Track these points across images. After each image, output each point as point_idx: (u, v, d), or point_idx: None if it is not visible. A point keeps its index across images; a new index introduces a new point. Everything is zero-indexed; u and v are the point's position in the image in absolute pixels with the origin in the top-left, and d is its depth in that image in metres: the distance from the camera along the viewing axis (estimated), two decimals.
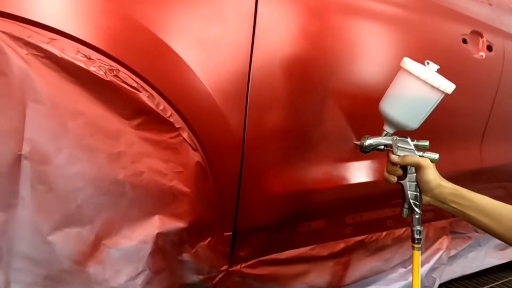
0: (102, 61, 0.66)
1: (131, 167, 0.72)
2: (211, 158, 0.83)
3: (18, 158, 0.62)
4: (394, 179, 0.89)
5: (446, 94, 0.86)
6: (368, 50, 1.05)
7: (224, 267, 0.98)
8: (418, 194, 0.88)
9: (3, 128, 0.61)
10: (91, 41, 0.65)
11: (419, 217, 0.89)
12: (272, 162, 0.96)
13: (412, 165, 0.87)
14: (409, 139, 0.89)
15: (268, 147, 0.93)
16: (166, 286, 0.84)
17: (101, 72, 0.66)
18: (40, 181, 0.65)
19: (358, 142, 0.93)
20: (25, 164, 0.63)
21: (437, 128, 1.32)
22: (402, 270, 1.51)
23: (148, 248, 0.76)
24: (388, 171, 0.91)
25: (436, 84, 0.84)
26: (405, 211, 0.90)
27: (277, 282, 1.12)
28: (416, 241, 0.89)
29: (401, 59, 1.16)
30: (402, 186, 0.89)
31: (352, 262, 1.31)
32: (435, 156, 0.88)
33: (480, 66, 1.35)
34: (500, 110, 1.45)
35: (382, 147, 0.91)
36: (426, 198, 0.87)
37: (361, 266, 1.35)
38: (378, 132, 0.93)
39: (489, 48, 1.38)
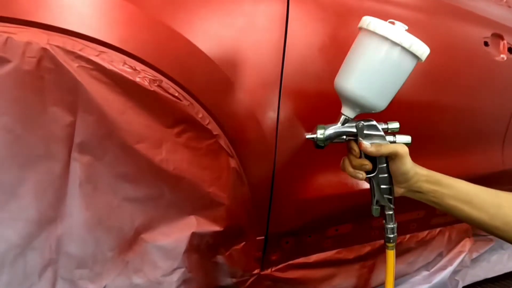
0: (146, 72, 0.69)
1: (171, 173, 0.74)
2: (245, 164, 0.85)
3: (68, 160, 0.67)
4: (362, 175, 0.73)
5: (420, 62, 0.69)
6: None
7: (256, 271, 0.99)
8: (390, 187, 0.74)
9: (56, 134, 0.64)
10: (136, 53, 0.68)
11: (392, 213, 0.77)
12: (303, 168, 0.98)
13: (388, 154, 0.71)
14: (375, 122, 0.72)
15: (299, 153, 0.95)
16: (201, 286, 0.87)
17: (146, 83, 0.68)
18: (87, 180, 0.69)
19: (311, 136, 0.74)
20: (74, 165, 0.67)
21: (458, 130, 1.33)
22: (425, 273, 1.51)
23: (183, 246, 0.79)
24: (353, 166, 0.73)
25: (406, 45, 0.65)
26: (376, 209, 0.77)
27: (306, 285, 1.14)
28: (391, 240, 0.78)
29: (423, 62, 1.18)
30: (371, 181, 0.75)
31: (377, 265, 1.32)
32: (408, 139, 0.73)
33: (502, 68, 1.36)
34: None
35: (344, 137, 0.73)
36: (398, 191, 0.75)
37: None
38: None
39: (510, 50, 1.39)
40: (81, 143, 0.66)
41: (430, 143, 1.28)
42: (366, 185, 1.12)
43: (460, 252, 1.57)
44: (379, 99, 0.69)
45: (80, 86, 0.63)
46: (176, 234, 0.78)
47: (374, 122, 0.73)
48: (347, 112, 0.72)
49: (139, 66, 0.69)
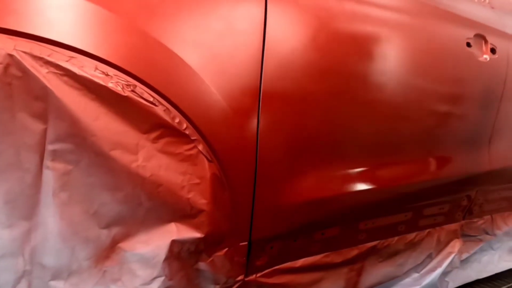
0: (119, 77, 0.68)
1: (148, 180, 0.73)
2: (226, 169, 0.84)
3: (40, 168, 0.65)
4: None
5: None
6: (376, 57, 1.07)
7: (241, 277, 0.98)
8: None
9: (26, 142, 0.63)
10: (108, 57, 0.67)
11: None
12: (286, 172, 0.97)
13: None
14: None
15: (281, 157, 0.94)
16: None
17: (119, 88, 0.67)
18: (61, 189, 0.67)
19: None
20: (47, 173, 0.66)
21: (444, 131, 1.33)
22: (415, 275, 1.50)
23: (163, 254, 0.77)
24: None
25: None
26: None
27: None
28: None
29: (408, 63, 1.18)
30: None
31: (366, 268, 1.31)
32: None
33: (485, 69, 1.36)
34: (506, 110, 1.46)
35: None
36: None
37: (375, 272, 1.35)
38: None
39: (493, 50, 1.39)
40: (54, 151, 0.65)
41: (416, 144, 1.28)
42: (352, 188, 1.12)
43: (449, 253, 1.56)
44: None
45: (50, 92, 0.62)
46: (155, 242, 0.77)
47: None
48: None
49: (111, 71, 0.67)
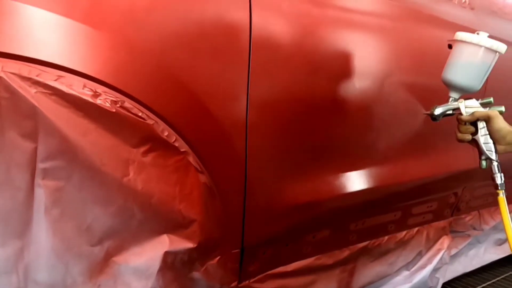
0: (108, 93, 0.69)
1: (140, 192, 0.74)
2: (216, 179, 0.86)
3: (32, 186, 0.65)
4: (468, 137, 0.97)
5: (500, 54, 0.98)
6: (360, 62, 1.09)
7: (234, 283, 0.99)
8: (492, 144, 0.96)
9: (17, 161, 0.63)
10: (96, 75, 0.68)
11: (497, 164, 0.98)
12: (275, 178, 0.98)
13: (482, 117, 0.95)
14: (474, 99, 1.00)
15: (270, 164, 0.96)
16: None
17: (107, 104, 0.68)
18: (53, 205, 0.68)
19: (428, 112, 1.04)
20: (38, 191, 0.66)
21: (432, 131, 1.36)
22: (406, 272, 1.53)
23: (156, 265, 0.78)
24: (461, 132, 0.99)
25: (488, 45, 0.97)
26: (483, 162, 0.99)
27: None
28: (499, 187, 0.97)
29: (391, 67, 1.21)
30: (476, 141, 0.98)
31: (358, 268, 1.34)
32: (502, 108, 0.98)
33: None
34: None
35: (451, 111, 1.02)
36: (500, 148, 0.96)
37: (366, 272, 1.38)
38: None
39: None
40: (45, 169, 0.65)
41: (403, 145, 1.31)
42: (341, 190, 1.14)
43: (439, 250, 1.60)
44: (475, 83, 1.01)
45: (39, 112, 0.62)
46: (148, 254, 0.78)
47: (472, 99, 1.00)
48: (453, 94, 1.03)
49: (100, 88, 0.68)
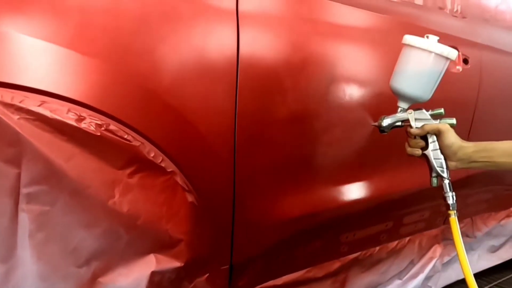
0: (93, 117, 0.68)
1: (126, 214, 0.74)
2: (204, 197, 0.86)
3: (16, 211, 0.65)
4: (418, 151, 0.91)
5: (451, 61, 0.91)
6: (352, 78, 1.09)
7: None
8: (443, 160, 0.90)
9: (0, 186, 0.63)
10: (81, 99, 0.68)
11: (449, 183, 0.91)
12: (264, 193, 0.98)
13: (432, 132, 0.89)
14: (424, 110, 0.93)
15: (258, 180, 0.96)
16: None
17: (92, 128, 0.68)
18: (38, 230, 0.68)
19: (376, 123, 0.96)
20: (22, 216, 0.66)
21: None
22: (398, 281, 1.54)
23: (143, 285, 0.78)
24: (410, 146, 0.93)
25: (439, 51, 0.89)
26: (434, 180, 0.92)
27: None
28: (450, 207, 0.91)
29: (381, 81, 1.20)
30: (426, 156, 0.91)
31: (349, 279, 1.34)
32: (453, 120, 0.92)
33: (458, 80, 1.40)
34: (480, 120, 1.50)
35: (400, 123, 0.95)
36: (452, 164, 0.89)
37: (358, 282, 1.38)
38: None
39: (465, 61, 1.43)
40: (28, 194, 0.65)
41: (394, 155, 1.31)
42: (331, 203, 1.14)
43: (431, 258, 1.60)
44: (424, 93, 0.93)
45: (22, 138, 0.62)
46: (135, 274, 0.78)
47: (422, 110, 0.93)
48: (401, 104, 0.95)
49: (85, 112, 0.68)
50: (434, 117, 0.92)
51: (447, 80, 1.34)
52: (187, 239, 0.83)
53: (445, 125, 0.89)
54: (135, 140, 0.74)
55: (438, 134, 0.89)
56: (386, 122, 0.94)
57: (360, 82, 1.12)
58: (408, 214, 1.45)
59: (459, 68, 1.39)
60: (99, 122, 0.69)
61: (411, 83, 0.92)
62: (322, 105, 1.04)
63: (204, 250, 0.88)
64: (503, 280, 1.98)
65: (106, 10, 0.72)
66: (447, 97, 1.37)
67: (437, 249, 1.62)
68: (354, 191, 1.21)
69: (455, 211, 0.91)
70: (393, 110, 0.97)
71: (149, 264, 0.79)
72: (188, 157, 0.82)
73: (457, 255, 0.92)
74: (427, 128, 0.89)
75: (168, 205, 0.79)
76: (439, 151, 0.90)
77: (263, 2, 0.92)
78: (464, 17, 1.54)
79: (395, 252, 1.46)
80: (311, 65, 1.00)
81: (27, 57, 0.65)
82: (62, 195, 0.68)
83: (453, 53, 0.90)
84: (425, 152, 0.91)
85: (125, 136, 0.72)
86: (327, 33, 1.05)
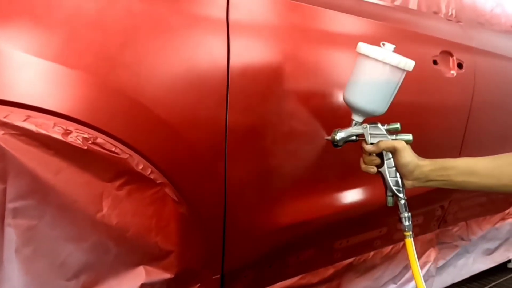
0: (80, 130, 0.68)
1: (115, 227, 0.73)
2: (195, 208, 0.85)
3: (1, 226, 0.65)
4: (373, 169, 0.86)
5: (408, 72, 0.86)
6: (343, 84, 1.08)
7: None
8: (399, 179, 0.86)
9: None
10: (67, 112, 0.67)
11: (404, 203, 0.87)
12: (256, 202, 0.98)
13: (387, 150, 0.85)
14: (379, 125, 0.88)
15: (250, 189, 0.95)
16: None
17: (79, 142, 0.67)
18: (25, 245, 0.67)
19: (329, 137, 0.91)
20: (9, 231, 0.65)
21: (414, 147, 1.36)
22: (392, 286, 1.54)
23: None
24: (365, 162, 0.88)
25: (394, 63, 0.82)
26: (389, 199, 0.88)
27: None
28: (406, 229, 0.87)
29: None
30: (381, 174, 0.87)
31: (343, 285, 1.34)
32: (409, 137, 0.86)
33: (452, 84, 1.40)
34: (475, 123, 1.50)
35: (354, 137, 0.90)
36: (408, 183, 0.85)
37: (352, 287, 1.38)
38: None
39: (460, 65, 1.43)
40: (15, 209, 0.65)
41: None
42: (325, 209, 1.14)
43: (425, 263, 1.60)
44: (379, 106, 0.88)
45: (7, 153, 0.61)
46: (124, 286, 0.77)
47: (377, 124, 0.88)
48: (355, 117, 0.90)
49: (72, 125, 0.68)
50: (390, 132, 0.88)
51: (441, 85, 1.36)
52: (177, 250, 0.82)
53: (401, 142, 0.84)
54: (123, 153, 0.73)
55: (393, 152, 0.84)
56: (339, 136, 0.90)
57: None
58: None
59: (454, 72, 1.39)
60: (86, 136, 0.68)
61: (365, 96, 0.86)
62: (313, 112, 1.03)
63: (195, 260, 0.88)
64: (498, 283, 1.98)
65: (93, 22, 0.71)
66: (441, 102, 1.37)
67: (432, 254, 1.62)
68: (348, 197, 1.21)
69: (411, 233, 0.87)
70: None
71: (139, 276, 0.78)
72: (178, 168, 0.82)
73: (413, 276, 0.88)
74: (383, 145, 0.85)
75: (157, 217, 0.79)
76: (394, 169, 0.85)
77: (254, 12, 0.92)
78: (458, 21, 1.54)
79: (389, 257, 1.46)
80: (304, 74, 0.99)
81: (12, 71, 0.64)
82: (49, 209, 0.67)
83: (410, 64, 0.84)
84: (380, 169, 0.86)
85: (113, 149, 0.71)
86: (319, 41, 1.04)
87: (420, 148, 1.35)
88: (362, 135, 0.89)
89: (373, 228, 1.36)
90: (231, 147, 0.88)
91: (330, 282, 1.29)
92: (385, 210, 1.32)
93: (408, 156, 0.83)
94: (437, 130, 1.39)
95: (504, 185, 0.78)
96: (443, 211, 1.60)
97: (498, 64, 1.62)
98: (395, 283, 1.54)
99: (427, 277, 1.60)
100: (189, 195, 0.84)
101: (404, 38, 1.25)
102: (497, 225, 1.89)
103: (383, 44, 0.85)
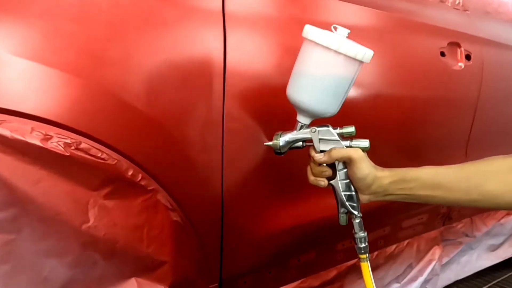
0: (62, 135, 0.62)
1: (102, 239, 0.68)
2: (190, 215, 0.79)
3: None
4: (324, 182, 0.72)
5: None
6: None
7: None
8: (353, 193, 0.72)
9: None
10: (46, 116, 0.61)
11: (360, 221, 0.74)
12: (254, 207, 0.92)
13: (341, 160, 0.70)
14: (330, 128, 0.72)
15: (247, 193, 0.90)
16: None
17: (60, 148, 0.61)
18: (3, 261, 0.61)
19: (270, 143, 0.75)
20: None
21: (421, 141, 1.31)
22: (396, 285, 1.50)
23: None
24: (314, 174, 0.73)
25: (351, 53, 0.65)
26: (342, 216, 0.75)
27: None
28: (362, 251, 0.74)
29: (382, 80, 1.09)
30: (333, 187, 0.73)
31: (345, 286, 1.29)
32: (366, 143, 0.71)
33: (460, 77, 1.33)
34: (482, 117, 1.44)
35: (301, 143, 0.75)
36: (364, 197, 0.72)
37: None
38: None
39: (468, 57, 1.36)
40: None
41: (392, 157, 1.25)
42: (326, 211, 1.09)
43: (430, 261, 1.56)
44: (330, 106, 0.71)
45: None
46: None
47: (328, 127, 0.73)
48: (301, 119, 0.74)
49: (52, 130, 0.61)
50: (343, 137, 0.73)
51: (447, 77, 1.29)
52: (171, 260, 0.76)
53: (357, 151, 0.69)
54: (111, 158, 0.67)
55: (349, 162, 0.70)
56: (283, 141, 0.73)
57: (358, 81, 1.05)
58: (406, 218, 1.40)
59: (461, 64, 1.32)
60: (68, 141, 0.62)
61: (312, 94, 0.69)
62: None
63: (191, 270, 0.83)
64: (502, 279, 1.94)
65: (75, 14, 0.65)
66: (448, 96, 1.31)
67: (436, 251, 1.57)
68: None
69: (367, 255, 0.74)
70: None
71: None
72: (171, 173, 0.76)
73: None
74: (336, 155, 0.70)
75: (149, 225, 0.73)
76: (348, 181, 0.72)
77: (251, 2, 0.85)
78: (465, 10, 1.47)
79: (393, 257, 1.41)
80: None
81: None
82: (29, 222, 0.61)
83: (368, 55, 0.68)
84: (332, 182, 0.72)
85: (99, 155, 0.65)
86: None
87: (427, 144, 1.31)
88: (309, 140, 0.73)
89: (376, 228, 1.30)
90: (228, 148, 0.82)
91: (332, 284, 1.24)
92: (388, 209, 1.28)
93: (366, 167, 0.68)
94: (444, 122, 1.33)
95: (473, 200, 0.66)
96: (448, 209, 1.55)
97: (506, 54, 1.55)
98: (399, 282, 1.49)
99: (431, 276, 1.56)
100: (183, 201, 0.78)
101: (411, 29, 1.19)
102: (502, 220, 1.84)
103: (335, 28, 0.68)
